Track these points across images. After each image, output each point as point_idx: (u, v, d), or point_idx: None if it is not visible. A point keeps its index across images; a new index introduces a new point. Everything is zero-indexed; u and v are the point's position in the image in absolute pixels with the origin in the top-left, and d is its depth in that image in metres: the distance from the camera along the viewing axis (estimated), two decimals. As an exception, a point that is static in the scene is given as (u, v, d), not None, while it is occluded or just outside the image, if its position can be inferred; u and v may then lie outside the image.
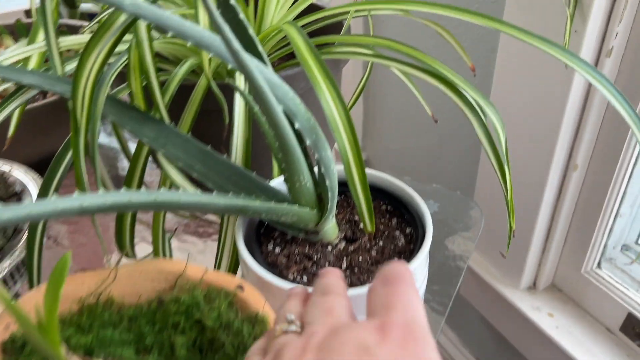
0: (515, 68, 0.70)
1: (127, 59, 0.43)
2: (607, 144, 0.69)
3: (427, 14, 0.50)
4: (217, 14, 0.27)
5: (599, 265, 0.80)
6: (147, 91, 0.44)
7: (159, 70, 0.63)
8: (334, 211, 0.43)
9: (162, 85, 0.47)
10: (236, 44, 0.29)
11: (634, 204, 0.75)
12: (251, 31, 0.41)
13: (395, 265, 0.25)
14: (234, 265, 0.45)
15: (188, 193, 0.36)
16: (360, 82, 0.58)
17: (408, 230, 0.44)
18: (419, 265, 0.40)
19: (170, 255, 0.58)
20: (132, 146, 0.47)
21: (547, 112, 0.68)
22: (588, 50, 0.62)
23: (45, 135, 0.70)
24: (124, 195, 0.32)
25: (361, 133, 1.19)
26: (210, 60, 0.44)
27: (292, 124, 0.39)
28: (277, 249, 0.45)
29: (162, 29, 0.34)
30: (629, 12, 0.59)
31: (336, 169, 0.41)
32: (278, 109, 0.34)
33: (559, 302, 0.83)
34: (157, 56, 0.58)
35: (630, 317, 0.74)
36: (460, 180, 0.95)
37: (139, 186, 0.44)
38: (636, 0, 0.59)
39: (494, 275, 0.87)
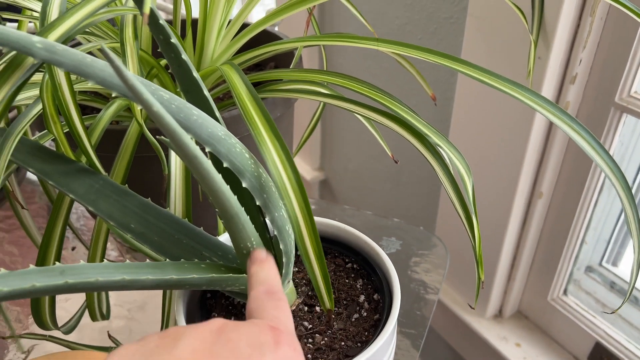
0: (476, 95, 0.67)
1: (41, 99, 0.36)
2: (573, 170, 0.67)
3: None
4: (109, 51, 0.22)
5: (565, 292, 0.78)
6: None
7: (87, 111, 0.55)
8: (290, 277, 0.38)
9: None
10: (140, 88, 0.23)
11: (597, 228, 0.73)
12: (195, 74, 0.35)
13: (273, 276, 0.29)
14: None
15: (107, 270, 0.30)
16: (313, 118, 0.53)
17: (376, 296, 0.40)
18: (386, 341, 0.35)
19: (108, 312, 0.51)
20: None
21: (511, 140, 0.65)
22: (552, 77, 0.59)
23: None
24: (24, 279, 0.26)
25: (319, 153, 1.15)
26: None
27: (238, 183, 0.34)
28: (230, 317, 0.40)
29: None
30: (593, 39, 0.57)
31: (292, 230, 0.36)
32: (214, 174, 0.29)
33: (526, 331, 0.80)
34: (89, 93, 0.52)
35: (598, 346, 0.72)
36: (422, 201, 0.92)
37: (57, 257, 0.38)
38: (600, 26, 0.56)
39: (460, 304, 0.84)
